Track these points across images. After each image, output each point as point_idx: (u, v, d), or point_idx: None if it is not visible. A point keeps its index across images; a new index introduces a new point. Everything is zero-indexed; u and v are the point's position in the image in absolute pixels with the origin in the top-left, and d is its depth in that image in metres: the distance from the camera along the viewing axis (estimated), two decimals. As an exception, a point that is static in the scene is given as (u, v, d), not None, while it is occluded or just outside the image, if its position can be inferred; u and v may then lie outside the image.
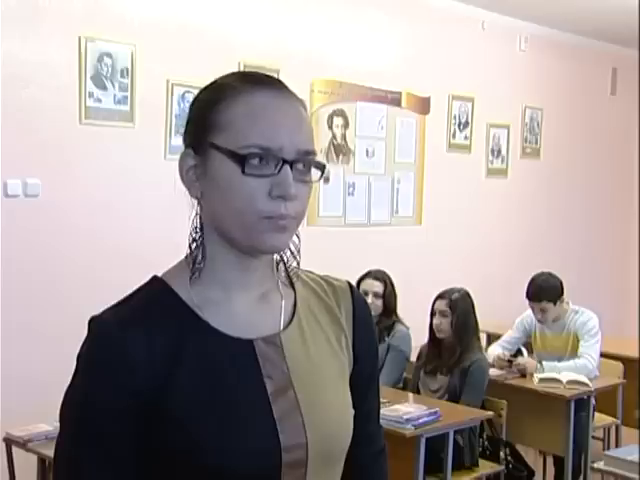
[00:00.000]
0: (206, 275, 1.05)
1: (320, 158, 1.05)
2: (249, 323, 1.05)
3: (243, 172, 0.99)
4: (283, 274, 1.12)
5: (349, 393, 1.11)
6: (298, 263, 1.10)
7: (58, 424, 1.06)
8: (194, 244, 1.05)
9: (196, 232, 1.05)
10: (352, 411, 1.10)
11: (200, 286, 1.05)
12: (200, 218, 1.05)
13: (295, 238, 1.06)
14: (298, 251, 1.08)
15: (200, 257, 1.04)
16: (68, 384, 1.03)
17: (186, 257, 1.08)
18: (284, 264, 1.11)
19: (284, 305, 1.09)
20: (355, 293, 1.17)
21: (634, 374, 4.34)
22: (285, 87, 1.06)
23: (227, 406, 1.00)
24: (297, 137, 1.01)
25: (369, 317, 1.19)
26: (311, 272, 1.17)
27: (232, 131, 1.00)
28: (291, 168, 1.00)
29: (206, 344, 1.02)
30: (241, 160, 0.98)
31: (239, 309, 1.06)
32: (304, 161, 1.02)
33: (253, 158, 0.99)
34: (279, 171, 0.99)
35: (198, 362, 1.01)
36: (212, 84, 1.07)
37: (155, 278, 1.08)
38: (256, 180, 0.99)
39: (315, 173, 1.04)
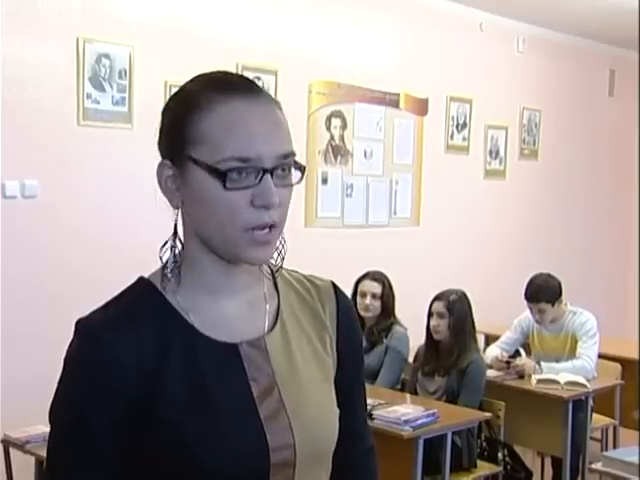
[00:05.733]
0: (193, 279, 1.05)
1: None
2: (235, 327, 1.06)
3: (224, 187, 0.98)
4: (268, 275, 1.12)
5: (333, 393, 1.12)
6: (282, 261, 1.09)
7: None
8: (168, 250, 1.05)
9: (172, 238, 1.05)
10: (337, 411, 1.11)
11: (188, 290, 1.05)
12: (183, 224, 1.05)
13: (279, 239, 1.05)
14: (280, 252, 1.07)
15: (171, 263, 1.04)
16: (56, 387, 1.03)
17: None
18: (269, 266, 1.11)
19: (268, 308, 1.09)
20: (339, 293, 1.18)
21: (632, 375, 4.34)
22: (258, 88, 1.04)
23: (214, 409, 1.01)
24: (274, 142, 1.00)
25: (353, 316, 1.20)
26: (295, 271, 1.17)
27: (209, 144, 0.99)
28: (271, 175, 0.99)
29: (192, 347, 1.03)
30: (221, 176, 0.98)
31: (225, 313, 1.06)
32: (283, 165, 1.01)
33: (232, 172, 0.98)
34: (260, 181, 0.98)
35: (184, 365, 1.02)
36: (181, 92, 1.05)
37: (142, 279, 1.08)
38: (237, 192, 0.98)
39: (296, 174, 1.03)
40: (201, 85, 1.04)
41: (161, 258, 1.06)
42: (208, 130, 0.99)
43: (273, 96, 1.06)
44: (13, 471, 3.29)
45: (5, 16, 3.57)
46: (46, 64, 3.72)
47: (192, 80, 1.06)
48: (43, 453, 3.01)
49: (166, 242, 1.05)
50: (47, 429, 3.31)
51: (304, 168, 1.04)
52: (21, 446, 3.13)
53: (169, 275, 1.04)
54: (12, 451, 3.24)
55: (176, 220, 1.05)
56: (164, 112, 1.06)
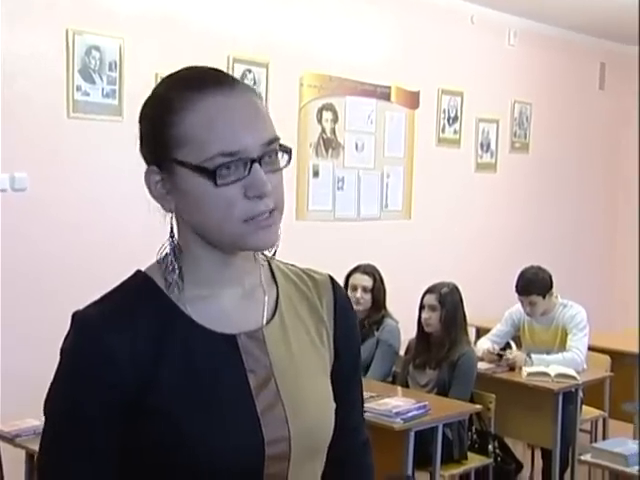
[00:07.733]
0: (189, 272, 1.05)
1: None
2: (233, 318, 1.06)
3: (215, 184, 0.97)
4: (266, 267, 1.12)
5: (330, 387, 1.12)
6: (275, 252, 1.08)
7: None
8: (166, 252, 1.05)
9: (170, 242, 1.05)
10: (333, 404, 1.11)
11: (185, 283, 1.05)
12: (176, 221, 1.05)
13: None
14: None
15: (170, 264, 1.04)
16: (52, 379, 1.03)
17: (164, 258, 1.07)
18: (263, 254, 1.11)
19: (267, 300, 1.09)
20: (336, 286, 1.18)
21: (621, 367, 4.37)
22: (231, 79, 1.03)
23: (210, 401, 1.01)
24: (257, 131, 1.00)
25: (350, 310, 1.20)
26: (293, 265, 1.17)
27: (193, 144, 0.98)
28: (260, 164, 0.99)
29: (190, 339, 1.02)
30: (211, 174, 0.97)
31: (223, 305, 1.06)
32: (270, 152, 1.01)
33: (221, 169, 0.97)
34: (249, 171, 0.98)
35: (182, 358, 1.01)
36: (153, 97, 1.04)
37: (139, 272, 1.07)
38: (229, 187, 0.98)
39: (283, 158, 1.03)
40: (173, 86, 1.03)
41: (159, 261, 1.05)
42: (190, 130, 0.99)
43: (248, 84, 1.05)
44: (3, 465, 3.28)
45: (-6, 8, 3.55)
46: (36, 56, 3.70)
47: (161, 83, 1.05)
48: (33, 447, 3.00)
49: (162, 245, 1.05)
50: (37, 423, 3.27)
51: (290, 150, 1.04)
52: (11, 440, 3.12)
53: (172, 279, 1.04)
54: (2, 445, 3.23)
55: (172, 224, 1.04)
56: (141, 119, 1.05)
